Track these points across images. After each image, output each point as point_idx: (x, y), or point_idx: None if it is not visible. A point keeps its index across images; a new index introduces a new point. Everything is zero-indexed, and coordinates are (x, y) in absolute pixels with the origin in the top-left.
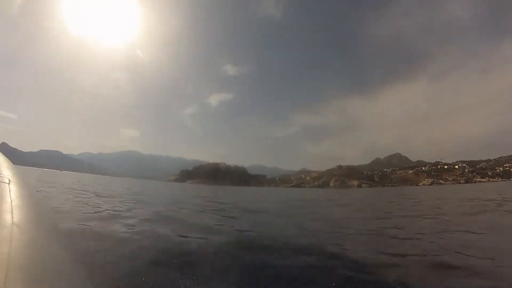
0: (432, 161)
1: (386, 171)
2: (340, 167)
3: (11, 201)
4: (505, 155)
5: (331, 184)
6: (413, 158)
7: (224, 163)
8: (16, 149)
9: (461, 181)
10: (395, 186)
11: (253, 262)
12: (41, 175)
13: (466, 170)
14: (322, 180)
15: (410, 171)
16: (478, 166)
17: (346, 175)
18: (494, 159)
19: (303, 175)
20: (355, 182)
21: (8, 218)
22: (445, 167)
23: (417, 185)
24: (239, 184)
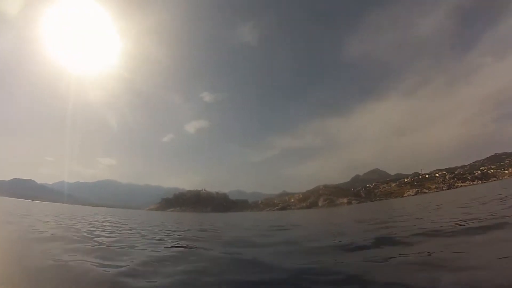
0: (410, 173)
1: (369, 186)
2: (326, 186)
3: None
4: (479, 159)
5: (319, 204)
6: (392, 171)
7: (205, 190)
8: None
9: (444, 188)
10: (382, 199)
11: None
12: (9, 205)
13: (447, 177)
14: (309, 200)
15: (393, 184)
16: (455, 172)
17: (333, 194)
18: (469, 164)
19: (287, 197)
20: (344, 200)
21: None
22: (426, 176)
23: (402, 196)
24: (221, 211)
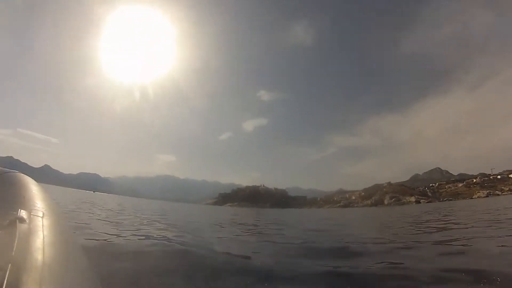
0: (476, 173)
1: (432, 186)
2: (390, 184)
3: (43, 237)
4: None
5: (385, 202)
6: (455, 171)
7: (263, 186)
8: (58, 171)
9: None
10: (451, 200)
11: None
12: (74, 195)
13: None
14: (374, 198)
15: (460, 184)
16: None
17: (399, 192)
18: None
19: (347, 195)
20: (412, 199)
21: (39, 257)
22: (498, 177)
23: (471, 198)
24: (280, 206)
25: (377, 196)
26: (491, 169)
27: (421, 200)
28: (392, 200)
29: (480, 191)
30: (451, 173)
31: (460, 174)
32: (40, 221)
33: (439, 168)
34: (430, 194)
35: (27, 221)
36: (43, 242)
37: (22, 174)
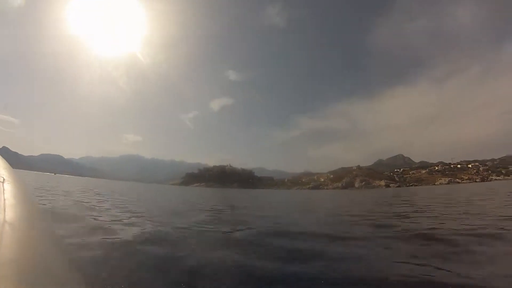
0: (435, 162)
1: (397, 171)
2: (359, 167)
3: (4, 200)
4: (510, 154)
5: (356, 185)
6: (416, 159)
7: (230, 166)
8: (17, 153)
9: (477, 180)
10: (416, 185)
11: None
12: (32, 178)
13: (480, 169)
14: (344, 180)
15: (423, 171)
16: (486, 164)
17: (368, 176)
18: (499, 158)
19: (315, 177)
20: (382, 182)
21: (0, 216)
22: (458, 166)
23: (434, 184)
24: (247, 187)
25: (348, 179)
26: (451, 158)
27: (391, 185)
28: (362, 184)
29: (442, 178)
30: (412, 160)
31: (421, 162)
32: (1, 186)
33: (401, 155)
34: (397, 179)
35: None
36: (4, 204)
37: None
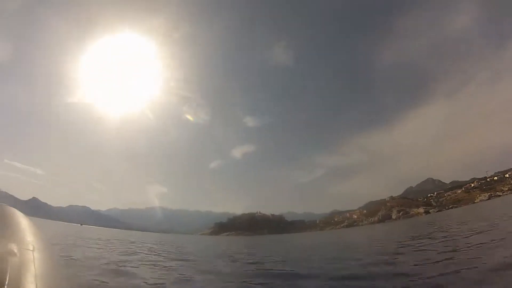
0: (468, 179)
1: (431, 196)
2: (392, 198)
3: (35, 270)
4: None
5: (393, 216)
6: (447, 180)
7: (260, 212)
8: (46, 203)
9: None
10: (456, 207)
11: None
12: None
13: None
14: (380, 214)
15: (459, 191)
16: None
17: (404, 205)
18: None
19: (347, 214)
20: (421, 210)
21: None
22: (495, 178)
23: (474, 202)
24: (279, 232)
25: (384, 211)
26: (486, 171)
27: (430, 210)
28: (400, 214)
29: (481, 195)
30: (443, 182)
31: (452, 182)
32: (31, 255)
33: (431, 178)
34: (434, 203)
35: (17, 254)
36: (35, 275)
37: (10, 207)
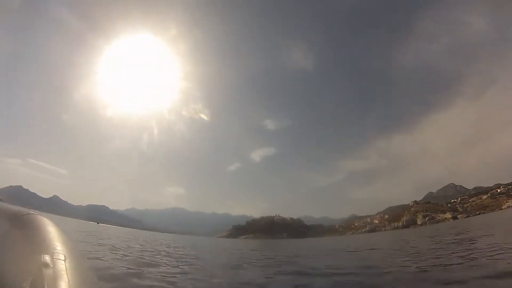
0: (492, 184)
1: (454, 201)
2: (416, 202)
3: (68, 281)
4: None
5: (418, 222)
6: (469, 185)
7: (279, 216)
8: (67, 202)
9: None
10: (483, 213)
11: None
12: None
13: None
14: (405, 219)
15: (484, 196)
16: None
17: (429, 210)
18: None
19: (368, 219)
20: (448, 215)
21: None
22: None
23: (500, 209)
24: (298, 236)
25: (408, 216)
26: None
27: (458, 216)
28: (426, 219)
29: (509, 201)
30: (465, 188)
31: (475, 188)
32: (63, 265)
33: (452, 183)
34: (460, 209)
35: (51, 265)
36: (69, 286)
37: (40, 216)
